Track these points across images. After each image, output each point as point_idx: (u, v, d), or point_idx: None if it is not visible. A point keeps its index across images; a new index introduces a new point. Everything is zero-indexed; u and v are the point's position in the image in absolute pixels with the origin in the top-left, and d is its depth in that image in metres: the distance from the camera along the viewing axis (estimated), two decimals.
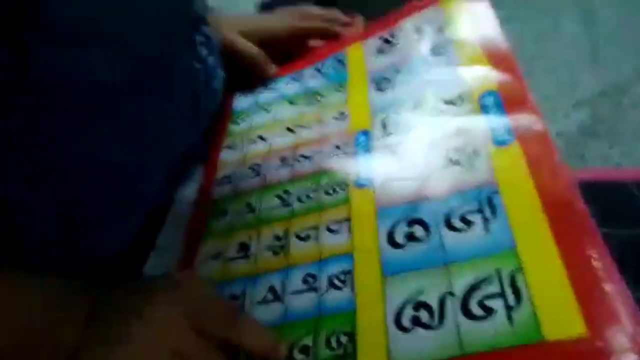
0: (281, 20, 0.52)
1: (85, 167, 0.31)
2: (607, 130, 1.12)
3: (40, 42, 0.26)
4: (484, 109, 0.37)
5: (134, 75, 0.31)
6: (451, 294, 0.28)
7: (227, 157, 0.45)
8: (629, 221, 0.42)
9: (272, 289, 0.33)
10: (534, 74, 1.21)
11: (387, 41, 0.46)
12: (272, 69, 0.51)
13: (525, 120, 0.34)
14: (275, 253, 0.35)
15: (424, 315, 0.28)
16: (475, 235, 0.30)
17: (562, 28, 1.35)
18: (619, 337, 0.23)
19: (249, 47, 0.50)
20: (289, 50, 0.52)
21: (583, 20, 1.35)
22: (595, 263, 0.26)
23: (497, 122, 0.35)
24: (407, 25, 0.46)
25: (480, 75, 0.38)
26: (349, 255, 0.33)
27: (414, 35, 0.45)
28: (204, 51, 0.43)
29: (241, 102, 0.51)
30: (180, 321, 0.29)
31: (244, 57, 0.50)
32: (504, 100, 0.37)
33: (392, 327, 0.28)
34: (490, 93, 0.37)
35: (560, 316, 0.25)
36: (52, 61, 0.26)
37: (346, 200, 0.36)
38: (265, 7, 0.60)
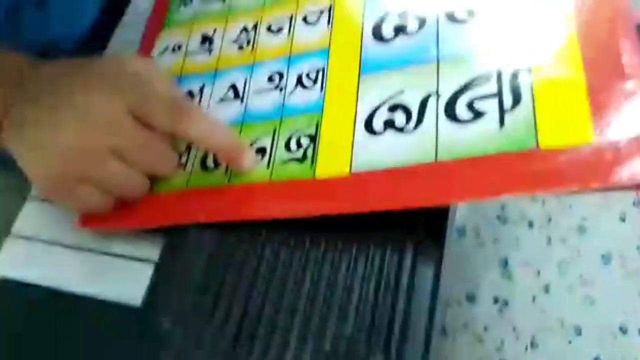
0: None
1: None
2: None
3: None
4: None
5: None
6: (437, 94, 0.23)
7: None
8: None
9: (233, 87, 0.29)
10: None
11: None
12: None
13: None
14: (241, 47, 0.30)
15: (399, 117, 0.23)
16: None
17: None
18: (630, 147, 0.19)
19: None
20: None
21: None
22: (624, 59, 0.20)
23: None
24: None
25: None
26: (324, 51, 0.27)
27: None
28: None
29: None
30: (120, 111, 0.24)
31: None
32: None
33: (361, 130, 0.24)
34: None
35: (564, 120, 0.20)
36: None
37: None
38: None
